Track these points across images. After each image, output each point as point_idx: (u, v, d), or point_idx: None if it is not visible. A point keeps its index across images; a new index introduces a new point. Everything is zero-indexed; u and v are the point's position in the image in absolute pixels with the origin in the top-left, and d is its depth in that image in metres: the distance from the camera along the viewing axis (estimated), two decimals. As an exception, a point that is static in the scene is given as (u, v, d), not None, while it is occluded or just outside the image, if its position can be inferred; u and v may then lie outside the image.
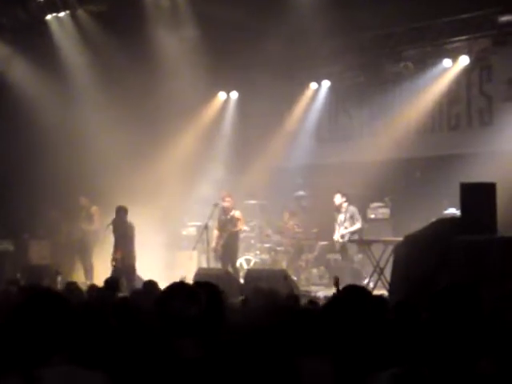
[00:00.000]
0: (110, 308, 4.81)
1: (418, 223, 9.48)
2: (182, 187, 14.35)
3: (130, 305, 5.26)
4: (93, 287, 7.21)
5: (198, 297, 3.27)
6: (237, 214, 12.68)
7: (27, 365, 2.72)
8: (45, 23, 14.01)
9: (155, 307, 3.30)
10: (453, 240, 8.02)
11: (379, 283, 10.98)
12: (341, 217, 12.84)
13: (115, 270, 11.62)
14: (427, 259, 8.00)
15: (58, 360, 2.81)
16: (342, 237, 12.81)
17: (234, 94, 15.81)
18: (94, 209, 14.00)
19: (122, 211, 11.97)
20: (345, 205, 12.87)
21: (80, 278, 12.89)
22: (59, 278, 12.46)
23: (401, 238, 9.54)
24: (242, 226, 12.90)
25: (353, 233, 12.76)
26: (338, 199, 12.88)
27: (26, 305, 2.95)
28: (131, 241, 11.90)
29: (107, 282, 7.34)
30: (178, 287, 3.36)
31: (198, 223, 13.89)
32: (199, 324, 3.20)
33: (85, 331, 3.74)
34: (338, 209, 12.92)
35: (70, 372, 2.78)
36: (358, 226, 12.76)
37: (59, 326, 2.89)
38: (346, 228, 12.78)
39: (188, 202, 14.38)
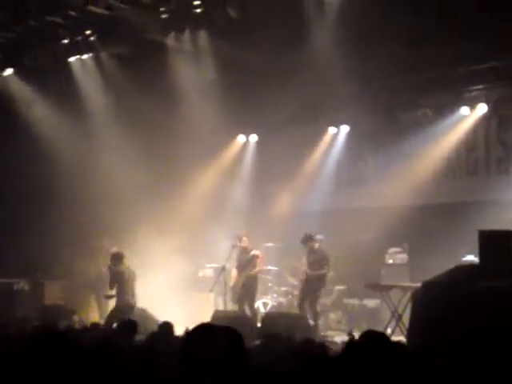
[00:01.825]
0: (129, 351, 4.80)
1: (435, 269, 9.39)
2: (200, 228, 14.38)
3: (147, 347, 5.27)
4: (109, 328, 7.20)
5: (221, 340, 3.27)
6: (257, 252, 12.66)
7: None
8: (67, 65, 14.26)
9: (179, 349, 3.30)
10: (472, 287, 7.96)
11: (397, 329, 10.88)
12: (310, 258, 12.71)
13: (114, 309, 11.66)
14: (447, 306, 7.93)
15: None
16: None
17: (254, 137, 15.94)
18: (115, 250, 14.04)
19: (116, 258, 11.99)
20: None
21: (95, 318, 12.89)
22: (76, 318, 12.49)
23: (419, 284, 9.47)
24: (262, 266, 12.83)
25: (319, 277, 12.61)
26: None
27: (37, 346, 2.97)
28: (126, 284, 11.79)
29: (125, 324, 7.33)
30: (203, 330, 3.36)
31: (215, 265, 13.87)
32: (221, 367, 3.20)
33: (101, 376, 3.74)
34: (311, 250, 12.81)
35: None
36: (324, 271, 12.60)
37: (69, 369, 2.90)
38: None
39: (205, 243, 14.39)
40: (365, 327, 11.21)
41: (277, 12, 11.60)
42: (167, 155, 14.40)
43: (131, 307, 11.36)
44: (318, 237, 14.16)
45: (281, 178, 15.11)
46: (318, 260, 12.43)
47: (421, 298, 8.70)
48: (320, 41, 12.33)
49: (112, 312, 11.41)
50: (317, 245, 12.59)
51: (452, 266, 9.83)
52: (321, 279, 12.50)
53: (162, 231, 13.61)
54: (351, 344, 3.97)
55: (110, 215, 13.72)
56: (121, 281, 11.63)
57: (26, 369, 2.88)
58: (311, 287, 12.43)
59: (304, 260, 13.01)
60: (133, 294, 11.54)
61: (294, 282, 13.73)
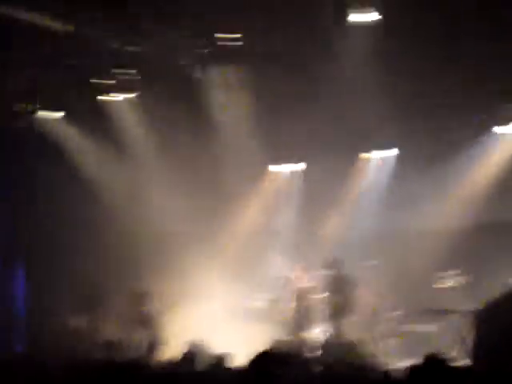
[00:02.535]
0: (190, 381, 4.79)
1: (495, 289, 9.19)
2: (252, 259, 14.36)
3: (209, 378, 5.25)
4: (171, 360, 7.21)
5: (290, 364, 3.24)
6: (312, 285, 12.57)
7: None
8: (108, 104, 14.52)
9: (247, 375, 3.26)
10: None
11: (460, 353, 10.61)
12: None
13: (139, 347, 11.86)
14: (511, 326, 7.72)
15: None
16: None
17: (297, 166, 15.81)
18: (159, 286, 14.16)
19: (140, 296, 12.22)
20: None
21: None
22: (129, 353, 12.59)
23: (479, 307, 9.26)
24: (318, 300, 12.71)
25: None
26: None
27: (105, 379, 2.97)
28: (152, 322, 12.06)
29: (185, 355, 7.33)
30: (270, 355, 3.33)
31: (268, 295, 13.82)
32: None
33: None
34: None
35: None
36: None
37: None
38: None
39: (257, 273, 14.36)
40: (424, 353, 10.96)
41: (308, 38, 11.60)
42: (206, 185, 14.48)
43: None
44: (373, 262, 14.02)
45: (328, 205, 14.97)
46: (346, 286, 12.28)
47: (487, 318, 8.49)
48: (352, 64, 12.26)
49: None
50: (343, 271, 12.45)
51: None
52: (349, 306, 12.32)
53: (212, 263, 13.64)
54: (414, 368, 3.89)
55: (156, 252, 13.84)
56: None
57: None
58: (338, 315, 12.30)
59: (331, 285, 12.80)
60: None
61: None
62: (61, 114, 14.79)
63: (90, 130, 14.81)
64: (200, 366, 7.39)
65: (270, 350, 3.50)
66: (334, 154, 14.30)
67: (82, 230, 14.90)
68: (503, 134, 13.27)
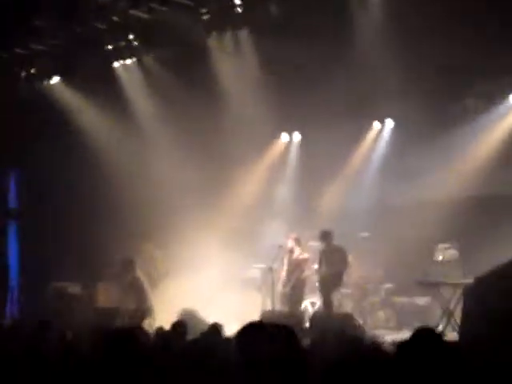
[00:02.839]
0: (181, 350, 4.82)
1: (487, 264, 9.21)
2: (247, 228, 14.41)
3: (200, 347, 5.28)
4: (161, 330, 7.25)
5: (277, 337, 3.25)
6: (306, 256, 12.60)
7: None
8: (112, 70, 14.42)
9: (234, 347, 3.28)
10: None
11: (449, 326, 10.71)
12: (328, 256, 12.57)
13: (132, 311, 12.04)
14: (500, 300, 7.77)
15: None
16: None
17: (297, 136, 15.90)
18: (157, 253, 14.23)
19: (128, 264, 12.24)
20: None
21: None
22: (121, 321, 12.66)
23: (471, 280, 9.31)
24: (311, 269, 12.77)
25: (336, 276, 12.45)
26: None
27: (99, 346, 2.99)
28: (139, 288, 12.11)
29: (175, 325, 7.37)
30: (257, 327, 3.34)
31: (263, 265, 13.87)
32: (278, 364, 3.18)
33: (157, 373, 3.76)
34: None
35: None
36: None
37: (133, 365, 2.91)
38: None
39: (252, 243, 14.40)
40: (415, 325, 11.06)
41: (319, 7, 11.53)
42: (213, 155, 14.48)
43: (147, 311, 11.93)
44: (365, 234, 14.06)
45: (326, 176, 15.01)
46: (336, 258, 12.31)
47: (473, 293, 8.55)
48: (365, 35, 12.23)
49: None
50: (334, 242, 12.47)
51: (505, 260, 9.65)
52: (338, 278, 12.38)
53: (210, 232, 13.69)
54: (404, 343, 3.91)
55: (158, 216, 13.88)
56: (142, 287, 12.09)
57: (95, 371, 2.90)
58: (327, 287, 12.34)
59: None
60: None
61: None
62: (62, 78, 14.69)
63: (93, 96, 14.72)
64: (192, 334, 7.45)
65: (258, 321, 3.50)
66: (336, 124, 14.27)
67: (82, 197, 14.95)
68: (507, 107, 13.21)
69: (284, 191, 15.71)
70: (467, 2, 10.99)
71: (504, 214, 12.52)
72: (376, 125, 15.00)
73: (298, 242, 12.69)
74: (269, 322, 3.85)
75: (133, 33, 13.20)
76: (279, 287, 12.62)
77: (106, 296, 14.36)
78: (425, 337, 3.81)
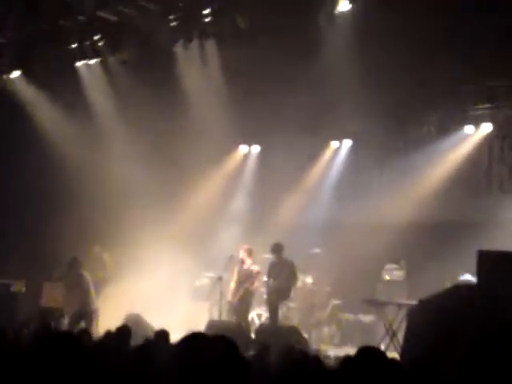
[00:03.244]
0: (127, 355, 4.80)
1: (432, 287, 9.41)
2: (199, 236, 14.41)
3: (144, 353, 5.27)
4: (108, 333, 7.19)
5: (216, 348, 3.28)
6: (256, 269, 12.62)
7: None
8: (75, 69, 14.30)
9: (173, 356, 3.30)
10: (469, 309, 7.94)
11: (391, 346, 10.87)
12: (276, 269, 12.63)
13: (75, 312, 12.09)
14: (442, 326, 7.92)
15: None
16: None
17: (256, 148, 15.99)
18: (105, 256, 14.12)
19: (74, 264, 12.26)
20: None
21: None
22: (65, 321, 12.52)
23: (415, 302, 9.48)
24: (260, 285, 12.78)
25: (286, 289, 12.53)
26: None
27: (40, 347, 2.97)
28: (85, 289, 12.27)
29: (120, 329, 7.33)
30: (197, 337, 3.37)
31: (212, 274, 13.87)
32: (217, 375, 3.20)
33: (101, 376, 3.75)
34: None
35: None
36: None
37: (73, 369, 2.91)
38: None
39: (203, 251, 14.41)
40: (358, 342, 11.21)
41: (285, 22, 11.63)
42: (171, 161, 14.46)
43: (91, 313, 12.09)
44: (316, 250, 14.19)
45: (282, 190, 15.13)
46: (285, 271, 12.39)
47: (416, 315, 8.70)
48: (330, 53, 12.35)
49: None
50: (284, 255, 12.56)
51: (449, 285, 9.86)
52: (285, 291, 12.48)
53: (161, 237, 13.65)
54: (348, 359, 3.98)
55: (110, 218, 13.76)
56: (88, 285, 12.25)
57: (33, 372, 2.88)
58: (274, 299, 12.42)
59: (271, 270, 12.91)
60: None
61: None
62: (23, 73, 14.49)
63: (54, 93, 14.57)
64: (137, 339, 7.41)
65: (199, 332, 3.53)
66: (296, 139, 14.41)
67: (35, 194, 14.76)
68: (461, 135, 13.50)
69: (240, 201, 15.78)
70: (430, 32, 11.21)
71: (450, 239, 12.80)
72: (334, 143, 15.18)
73: (249, 253, 12.72)
74: (212, 333, 3.88)
75: (99, 33, 13.11)
76: (228, 297, 12.62)
77: (51, 296, 14.15)
78: (369, 354, 3.89)
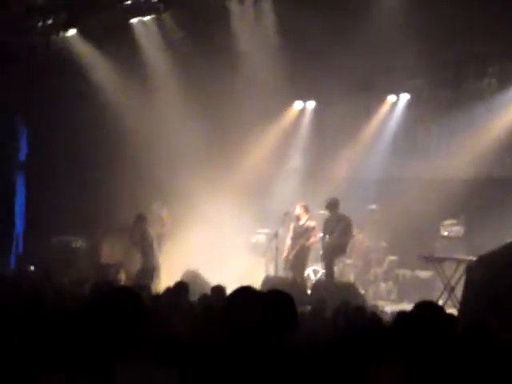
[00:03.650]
0: (182, 311, 4.87)
1: (491, 243, 9.24)
2: (255, 192, 14.44)
3: (200, 308, 5.35)
4: (168, 289, 7.31)
5: (264, 303, 3.28)
6: (312, 224, 12.57)
7: (104, 360, 2.77)
8: (130, 26, 14.33)
9: (222, 312, 3.31)
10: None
11: (449, 302, 10.77)
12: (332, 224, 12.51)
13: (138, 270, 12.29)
14: (502, 282, 7.79)
15: (134, 355, 2.85)
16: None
17: (311, 104, 15.82)
18: (164, 212, 14.28)
19: (141, 219, 12.39)
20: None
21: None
22: (122, 276, 12.79)
23: (473, 258, 9.34)
24: (317, 237, 12.74)
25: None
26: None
27: (100, 302, 3.01)
28: (148, 245, 12.50)
29: (178, 285, 7.44)
30: (243, 293, 3.37)
31: (268, 230, 13.92)
32: (265, 330, 3.21)
33: (159, 330, 3.80)
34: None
35: (145, 367, 2.82)
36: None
37: (134, 322, 2.94)
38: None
39: (259, 207, 14.43)
40: (416, 299, 11.12)
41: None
42: (227, 118, 14.43)
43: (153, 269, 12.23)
44: (372, 206, 14.07)
45: (338, 145, 14.97)
46: (341, 228, 12.30)
47: (475, 272, 8.57)
48: (383, 8, 12.09)
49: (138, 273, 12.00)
50: (340, 211, 12.44)
51: (508, 240, 9.66)
52: (341, 247, 12.42)
53: (217, 194, 13.73)
54: (403, 314, 3.94)
55: (166, 177, 13.90)
56: (151, 242, 12.46)
57: (92, 327, 2.92)
58: (329, 255, 12.37)
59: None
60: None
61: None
62: (78, 31, 14.59)
63: (108, 51, 14.63)
64: (194, 295, 7.52)
65: (248, 286, 3.52)
66: (351, 95, 14.19)
67: (92, 151, 14.98)
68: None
69: (296, 157, 15.70)
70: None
71: (510, 195, 12.50)
72: (391, 98, 14.88)
73: (305, 209, 12.67)
74: (268, 288, 3.88)
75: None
76: (284, 253, 12.66)
77: (111, 252, 14.46)
78: (426, 309, 3.84)
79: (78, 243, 14.44)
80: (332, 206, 12.39)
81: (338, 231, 12.24)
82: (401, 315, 3.87)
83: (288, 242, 12.68)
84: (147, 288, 8.21)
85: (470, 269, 9.02)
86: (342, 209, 12.54)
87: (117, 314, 2.93)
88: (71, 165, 15.13)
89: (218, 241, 13.72)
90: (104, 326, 2.90)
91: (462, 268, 10.40)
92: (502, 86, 13.23)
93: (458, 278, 10.50)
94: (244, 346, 3.25)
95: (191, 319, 5.41)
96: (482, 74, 13.32)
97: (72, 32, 14.58)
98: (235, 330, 3.23)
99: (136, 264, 13.25)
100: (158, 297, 7.04)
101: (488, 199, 12.98)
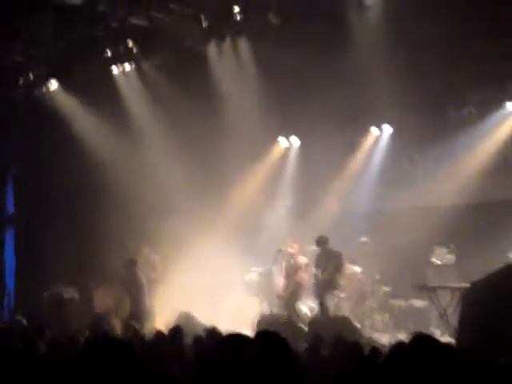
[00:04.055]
0: (177, 356, 4.84)
1: (483, 269, 9.27)
2: (245, 233, 14.43)
3: (194, 352, 5.32)
4: (159, 333, 7.27)
5: (251, 346, 3.27)
6: (304, 261, 12.60)
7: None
8: (111, 77, 14.47)
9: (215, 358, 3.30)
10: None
11: (445, 330, 10.74)
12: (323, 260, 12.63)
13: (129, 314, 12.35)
14: (497, 307, 7.80)
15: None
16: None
17: (296, 140, 15.90)
18: (155, 257, 14.25)
19: (132, 263, 12.38)
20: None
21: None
22: (117, 324, 12.69)
23: (467, 285, 9.34)
24: (309, 277, 12.75)
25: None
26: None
27: (94, 354, 3.00)
28: (139, 289, 12.51)
29: (173, 329, 7.39)
30: (234, 340, 3.36)
31: (261, 269, 13.89)
32: (260, 373, 3.19)
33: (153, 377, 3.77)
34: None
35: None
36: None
37: (127, 375, 2.93)
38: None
39: (250, 248, 14.42)
40: (411, 328, 11.10)
41: (317, 15, 11.58)
42: (212, 159, 14.49)
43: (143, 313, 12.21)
44: (364, 239, 14.09)
45: (325, 181, 15.04)
46: (332, 262, 12.32)
47: (470, 298, 8.58)
48: (362, 42, 12.26)
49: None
50: (330, 247, 12.50)
51: (501, 265, 9.68)
52: (334, 282, 12.43)
53: (207, 235, 13.72)
54: (399, 346, 3.93)
55: (154, 222, 13.91)
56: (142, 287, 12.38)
57: (87, 380, 2.91)
58: (323, 290, 12.37)
59: (318, 262, 12.88)
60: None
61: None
62: (60, 84, 14.70)
63: (91, 101, 14.75)
64: (189, 337, 7.46)
65: (238, 333, 3.53)
66: (335, 130, 14.29)
67: (78, 201, 14.99)
68: (502, 113, 13.22)
69: (284, 195, 15.73)
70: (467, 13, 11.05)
71: (500, 219, 12.57)
72: (374, 130, 15.02)
73: (297, 246, 12.73)
74: (263, 327, 3.87)
75: (131, 39, 13.23)
76: (279, 291, 12.62)
77: (103, 300, 14.36)
78: (422, 341, 3.83)
79: (71, 294, 14.32)
80: (321, 242, 12.47)
81: (331, 266, 12.25)
82: (395, 348, 3.85)
83: (282, 280, 12.67)
84: (138, 334, 8.14)
85: (465, 296, 9.03)
86: (334, 243, 12.57)
87: (109, 369, 2.92)
88: (58, 217, 15.11)
89: (211, 281, 13.66)
90: (98, 380, 2.89)
91: (456, 296, 10.40)
92: (481, 114, 13.39)
93: (454, 306, 10.49)
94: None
95: (186, 363, 5.37)
96: (462, 104, 13.49)
97: (54, 85, 14.70)
98: (230, 376, 3.22)
99: (128, 310, 13.16)
100: (149, 343, 6.99)
101: (475, 225, 13.05)
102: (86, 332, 9.79)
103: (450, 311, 10.76)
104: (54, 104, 14.79)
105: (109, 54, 13.57)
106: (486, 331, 7.49)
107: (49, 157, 14.71)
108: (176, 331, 7.30)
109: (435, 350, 3.69)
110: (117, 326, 11.90)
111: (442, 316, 10.94)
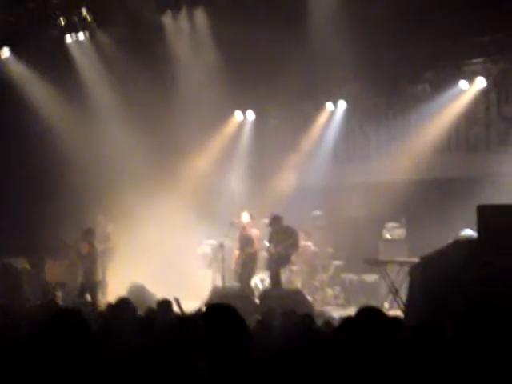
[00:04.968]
0: (130, 327, 4.83)
1: (433, 244, 9.44)
2: (199, 205, 14.41)
3: (146, 323, 5.32)
4: (110, 305, 7.22)
5: (207, 319, 3.30)
6: (255, 233, 12.68)
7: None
8: (65, 45, 14.20)
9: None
10: (470, 263, 7.97)
11: (394, 304, 10.94)
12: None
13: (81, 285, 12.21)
14: (444, 281, 7.96)
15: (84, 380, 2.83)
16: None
17: (251, 114, 15.90)
18: (110, 227, 14.15)
19: (89, 233, 12.47)
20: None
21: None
22: (60, 294, 12.63)
23: (416, 259, 9.51)
24: (260, 249, 12.84)
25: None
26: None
27: (43, 325, 2.98)
28: (94, 260, 12.38)
29: (123, 300, 7.34)
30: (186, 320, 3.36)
31: (214, 241, 13.91)
32: (213, 345, 3.21)
33: (106, 350, 3.77)
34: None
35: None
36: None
37: (82, 345, 2.92)
38: None
39: (204, 220, 14.42)
40: (363, 302, 11.28)
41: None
42: (168, 131, 14.38)
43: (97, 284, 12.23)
44: (317, 212, 14.20)
45: (279, 155, 15.09)
46: (286, 239, 12.42)
47: (418, 273, 8.73)
48: (319, 15, 12.25)
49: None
50: (285, 223, 12.57)
51: (450, 240, 9.88)
52: (287, 257, 12.55)
53: (162, 208, 13.68)
54: (347, 320, 3.98)
55: (110, 193, 13.77)
56: (96, 255, 12.43)
57: (39, 350, 2.88)
58: (275, 264, 12.48)
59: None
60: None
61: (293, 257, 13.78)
62: (13, 51, 14.37)
63: (44, 70, 14.47)
64: (140, 309, 7.43)
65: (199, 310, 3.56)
66: (290, 105, 14.30)
67: (32, 171, 14.76)
68: (456, 91, 13.37)
69: (237, 168, 15.73)
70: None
71: (450, 195, 12.78)
72: (329, 106, 15.07)
73: (249, 218, 12.77)
74: (216, 300, 3.89)
75: (85, 8, 12.98)
76: (232, 264, 12.68)
77: (55, 270, 14.24)
78: (369, 314, 3.88)
79: (22, 264, 14.15)
80: (275, 222, 12.48)
81: (285, 243, 12.31)
82: (344, 322, 3.91)
83: (236, 252, 12.74)
84: (91, 304, 8.10)
85: (413, 271, 9.19)
86: (288, 216, 12.64)
87: (60, 336, 2.90)
88: (9, 185, 14.86)
89: (164, 254, 13.63)
90: (52, 353, 2.87)
91: (404, 270, 10.58)
92: (435, 91, 13.53)
93: (402, 280, 10.68)
94: (196, 362, 3.26)
95: (140, 334, 5.36)
96: (416, 80, 13.61)
97: (6, 53, 14.37)
98: (182, 352, 3.24)
99: (78, 280, 13.12)
100: (101, 313, 6.96)
101: (426, 201, 13.25)
102: (36, 301, 9.71)
103: (398, 285, 10.95)
104: (5, 72, 14.47)
105: (62, 22, 13.29)
106: (434, 305, 7.65)
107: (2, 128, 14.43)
108: (122, 303, 7.25)
109: (381, 322, 3.75)
110: (67, 297, 11.83)
111: (392, 290, 11.13)
